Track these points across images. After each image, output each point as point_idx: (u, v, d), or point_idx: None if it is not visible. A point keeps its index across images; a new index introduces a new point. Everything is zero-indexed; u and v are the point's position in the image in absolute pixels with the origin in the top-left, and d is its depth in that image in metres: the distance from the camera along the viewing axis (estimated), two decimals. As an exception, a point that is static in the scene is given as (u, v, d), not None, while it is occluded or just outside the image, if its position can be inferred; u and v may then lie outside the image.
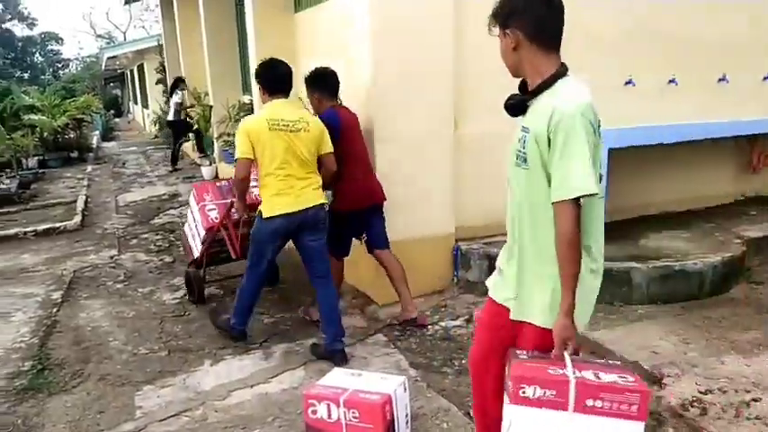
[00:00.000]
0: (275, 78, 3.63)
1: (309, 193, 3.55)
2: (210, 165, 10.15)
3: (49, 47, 53.79)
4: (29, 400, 3.22)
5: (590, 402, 1.72)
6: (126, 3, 15.34)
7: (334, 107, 3.93)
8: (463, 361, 3.47)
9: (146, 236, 6.90)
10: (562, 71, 1.87)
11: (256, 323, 4.13)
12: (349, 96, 4.13)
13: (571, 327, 1.81)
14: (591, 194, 1.74)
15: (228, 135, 9.18)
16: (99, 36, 50.97)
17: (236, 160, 3.51)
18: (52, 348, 3.89)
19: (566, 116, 1.74)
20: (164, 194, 9.35)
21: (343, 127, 3.83)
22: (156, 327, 4.23)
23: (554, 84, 1.85)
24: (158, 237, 6.81)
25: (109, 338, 4.05)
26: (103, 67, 30.45)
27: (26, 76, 44.86)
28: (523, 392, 1.76)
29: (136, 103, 29.92)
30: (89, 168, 12.59)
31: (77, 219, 7.58)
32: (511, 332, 1.99)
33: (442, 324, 3.99)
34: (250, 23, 6.69)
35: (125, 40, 39.91)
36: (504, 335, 2.02)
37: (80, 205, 8.43)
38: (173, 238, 6.71)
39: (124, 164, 13.11)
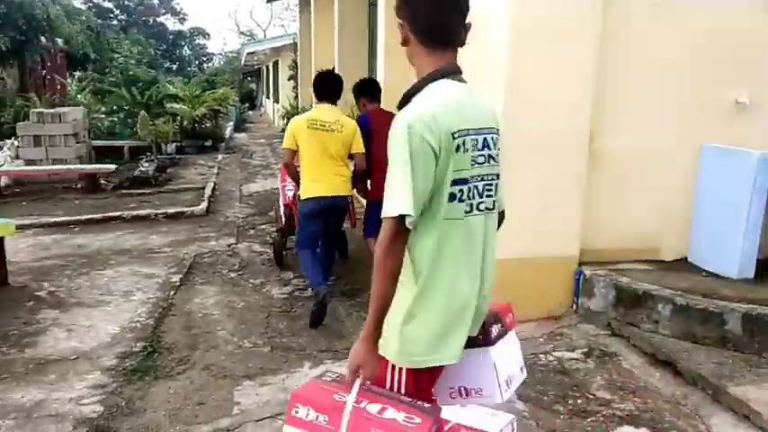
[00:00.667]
0: (323, 88, 4.39)
1: (338, 184, 4.29)
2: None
3: (197, 41, 57.94)
4: (135, 382, 3.31)
5: None
6: (268, 1, 15.99)
7: (371, 111, 4.65)
8: (579, 400, 3.13)
9: (263, 227, 7.08)
10: (438, 74, 1.64)
11: (359, 328, 4.02)
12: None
13: (365, 353, 1.63)
14: (405, 215, 1.52)
15: (350, 133, 9.25)
16: (242, 33, 54.38)
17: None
18: (164, 331, 4.01)
19: (393, 129, 1.56)
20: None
21: (373, 129, 4.33)
22: (263, 321, 4.25)
23: (423, 87, 1.65)
24: (274, 229, 6.95)
25: (217, 327, 4.11)
26: (242, 62, 32.35)
27: (174, 67, 48.71)
28: (296, 413, 1.69)
29: (268, 97, 31.44)
30: (220, 157, 13.29)
31: (204, 205, 7.95)
32: None
33: (557, 354, 3.65)
34: (381, 19, 6.64)
35: (264, 37, 42.26)
36: None
37: (207, 192, 8.86)
38: (288, 232, 6.82)
39: (252, 155, 13.71)
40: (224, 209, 8.12)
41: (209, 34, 57.28)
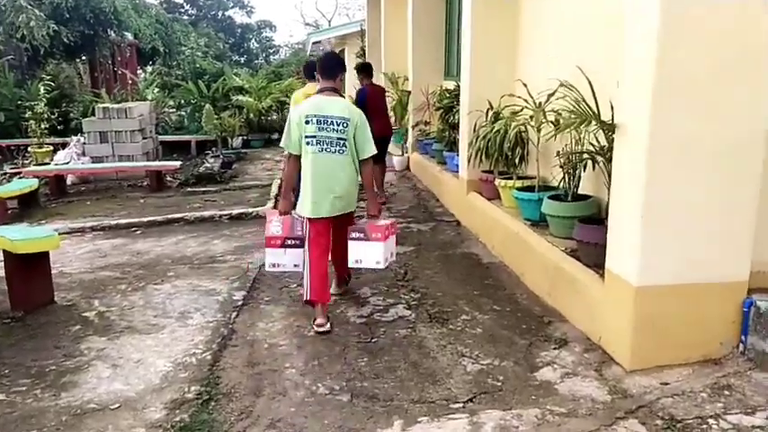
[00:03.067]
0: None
1: None
2: (403, 155, 9.51)
3: (264, 33, 58.35)
4: (185, 447, 2.64)
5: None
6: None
7: (368, 85, 7.24)
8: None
9: (334, 230, 6.37)
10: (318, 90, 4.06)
11: (457, 369, 3.23)
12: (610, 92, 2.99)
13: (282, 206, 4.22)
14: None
15: (426, 124, 8.43)
16: (307, 24, 54.35)
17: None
18: (223, 369, 3.34)
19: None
20: (354, 183, 8.90)
21: (368, 97, 6.88)
22: (339, 355, 3.51)
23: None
24: (347, 233, 6.24)
25: (285, 364, 3.41)
26: (308, 52, 32.03)
27: (242, 60, 49.18)
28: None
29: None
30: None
31: (269, 205, 7.34)
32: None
33: (731, 420, 2.72)
34: (468, 4, 5.76)
35: (329, 26, 41.87)
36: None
37: (273, 191, 8.26)
38: (361, 236, 6.09)
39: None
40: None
41: (275, 26, 57.28)
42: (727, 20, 2.79)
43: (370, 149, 3.91)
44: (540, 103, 4.61)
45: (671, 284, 2.99)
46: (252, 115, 13.50)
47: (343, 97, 4.17)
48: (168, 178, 9.53)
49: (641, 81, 2.86)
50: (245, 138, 12.94)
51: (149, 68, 20.25)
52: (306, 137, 3.77)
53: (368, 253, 3.90)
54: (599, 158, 3.70)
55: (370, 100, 6.84)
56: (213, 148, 10.87)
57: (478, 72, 5.85)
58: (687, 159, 2.90)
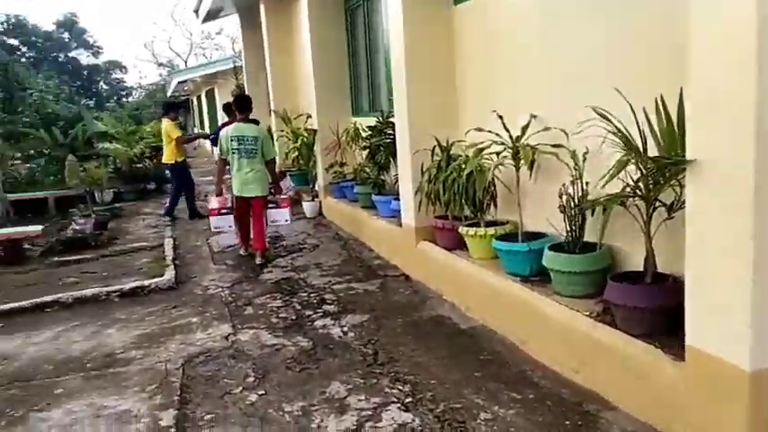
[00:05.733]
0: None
1: None
2: (313, 200, 8.55)
3: (113, 75, 54.65)
4: None
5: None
6: (203, 21, 14.10)
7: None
8: None
9: (261, 300, 5.26)
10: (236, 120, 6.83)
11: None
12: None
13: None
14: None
15: (341, 165, 7.58)
16: (161, 64, 51.51)
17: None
18: None
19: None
20: (263, 237, 7.78)
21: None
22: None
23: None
24: (278, 302, 5.17)
25: None
26: (169, 93, 29.98)
27: (91, 103, 45.27)
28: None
29: (202, 128, 29.17)
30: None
31: (170, 274, 6.03)
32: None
33: None
34: (397, 21, 5.05)
35: (186, 66, 39.80)
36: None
37: (169, 254, 6.92)
38: (297, 304, 5.06)
39: (206, 196, 11.69)
40: (197, 275, 6.23)
41: (125, 67, 54.06)
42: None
43: (273, 153, 6.71)
44: (516, 138, 3.96)
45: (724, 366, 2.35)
46: (121, 164, 11.83)
47: (254, 122, 6.78)
48: (27, 245, 7.77)
49: (736, 110, 2.23)
50: (115, 191, 11.24)
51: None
52: (232, 149, 6.40)
53: (279, 215, 7.24)
54: (630, 200, 3.06)
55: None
56: (80, 206, 9.17)
57: (419, 106, 5.14)
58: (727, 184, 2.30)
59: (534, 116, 4.02)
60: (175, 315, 5.03)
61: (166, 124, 9.11)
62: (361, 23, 7.79)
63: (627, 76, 3.30)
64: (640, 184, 2.93)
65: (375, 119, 6.62)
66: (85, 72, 50.56)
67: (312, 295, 5.28)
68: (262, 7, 10.76)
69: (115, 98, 50.54)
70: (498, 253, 4.14)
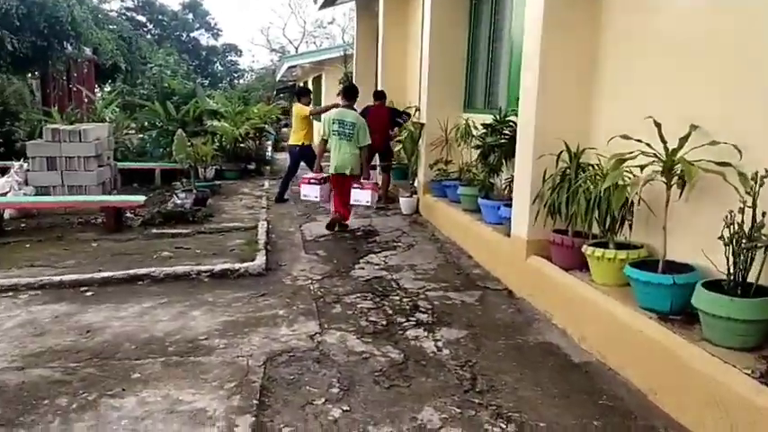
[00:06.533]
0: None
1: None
2: (411, 196, 8.15)
3: (229, 57, 57.00)
4: None
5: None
6: (321, 8, 14.08)
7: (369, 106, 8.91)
8: None
9: (350, 298, 4.92)
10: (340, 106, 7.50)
11: None
12: None
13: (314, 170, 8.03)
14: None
15: (446, 163, 7.11)
16: (273, 50, 53.14)
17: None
18: None
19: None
20: (357, 229, 7.48)
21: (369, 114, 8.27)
22: None
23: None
24: (368, 303, 4.81)
25: None
26: (278, 77, 30.71)
27: (206, 82, 47.43)
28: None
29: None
30: (266, 184, 11.27)
31: (261, 259, 5.83)
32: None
33: None
34: (537, 5, 4.50)
35: (296, 53, 40.69)
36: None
37: (261, 237, 6.75)
38: (388, 308, 4.67)
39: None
40: (287, 263, 5.99)
41: (240, 50, 56.24)
42: None
43: (367, 141, 7.13)
44: (673, 151, 3.33)
45: None
46: (226, 143, 11.98)
47: (356, 110, 7.34)
48: (129, 214, 7.91)
49: None
50: (217, 168, 11.38)
51: (108, 87, 18.51)
52: (333, 131, 7.09)
53: (362, 195, 7.34)
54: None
55: (370, 116, 8.07)
56: (183, 180, 9.29)
57: (548, 106, 4.57)
58: None
59: (695, 127, 3.38)
60: (262, 304, 4.79)
61: (299, 108, 9.29)
62: (486, 17, 7.28)
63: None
64: None
65: (492, 116, 6.09)
66: (204, 52, 53.00)
67: (405, 300, 4.87)
68: (381, -2, 10.49)
69: (228, 79, 52.74)
70: (631, 282, 3.53)
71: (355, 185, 7.31)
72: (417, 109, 8.34)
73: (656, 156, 3.38)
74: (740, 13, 3.26)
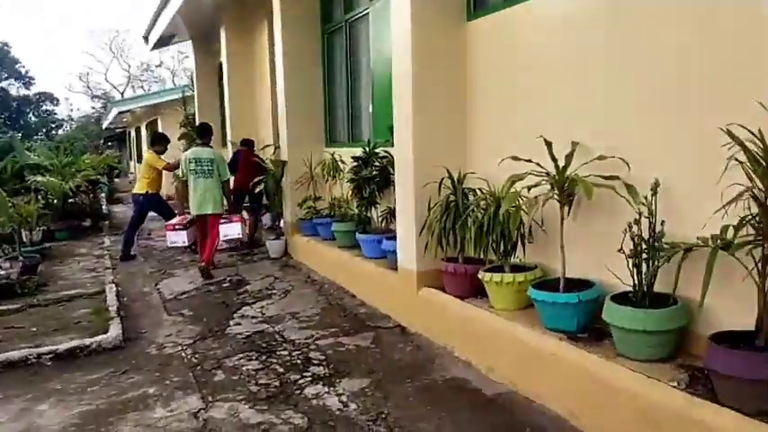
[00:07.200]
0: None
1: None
2: (278, 238, 7.71)
3: (44, 107, 52.25)
4: None
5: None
6: (153, 48, 13.18)
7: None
8: None
9: (232, 361, 4.36)
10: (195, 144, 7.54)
11: None
12: None
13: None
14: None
15: (316, 200, 6.81)
16: (95, 96, 49.36)
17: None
18: None
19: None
20: (223, 280, 6.85)
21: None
22: None
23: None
24: (254, 363, 4.29)
25: None
26: (105, 125, 28.50)
27: (19, 136, 42.56)
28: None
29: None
30: (107, 241, 10.11)
31: (116, 329, 5.03)
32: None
33: None
34: (404, 33, 4.42)
35: (122, 98, 38.14)
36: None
37: (112, 302, 5.89)
38: (278, 366, 4.21)
39: (150, 233, 10.60)
40: (148, 329, 5.25)
41: (57, 99, 51.74)
42: None
43: (227, 175, 7.19)
44: (562, 168, 3.34)
45: None
46: (54, 199, 10.60)
47: (211, 148, 7.31)
48: (-65, 294, 6.54)
49: None
50: (45, 229, 9.98)
51: None
52: (190, 170, 6.99)
53: (231, 229, 7.40)
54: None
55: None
56: (6, 246, 7.95)
57: (426, 134, 4.48)
58: None
59: (576, 143, 3.42)
60: (126, 384, 4.06)
61: (152, 158, 8.54)
62: (340, 49, 7.16)
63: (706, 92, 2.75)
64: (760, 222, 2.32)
65: (360, 149, 5.91)
66: (15, 103, 47.98)
67: (294, 354, 4.43)
68: (222, 34, 10.01)
69: (44, 130, 47.96)
70: (536, 303, 3.45)
71: (222, 220, 7.27)
72: (277, 147, 7.96)
73: (547, 174, 3.37)
74: (611, 26, 3.38)
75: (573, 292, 3.31)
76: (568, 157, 3.35)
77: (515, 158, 3.51)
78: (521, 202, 3.51)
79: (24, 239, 8.85)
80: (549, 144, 3.33)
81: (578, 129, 3.51)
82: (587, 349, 3.10)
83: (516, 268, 3.85)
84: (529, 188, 3.51)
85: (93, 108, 48.55)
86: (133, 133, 30.02)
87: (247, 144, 8.80)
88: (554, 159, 3.31)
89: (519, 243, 3.84)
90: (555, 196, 3.37)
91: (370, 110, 6.46)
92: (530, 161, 3.45)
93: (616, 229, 3.10)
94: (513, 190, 3.44)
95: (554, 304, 3.30)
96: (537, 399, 3.35)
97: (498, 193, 3.78)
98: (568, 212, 3.48)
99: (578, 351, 3.10)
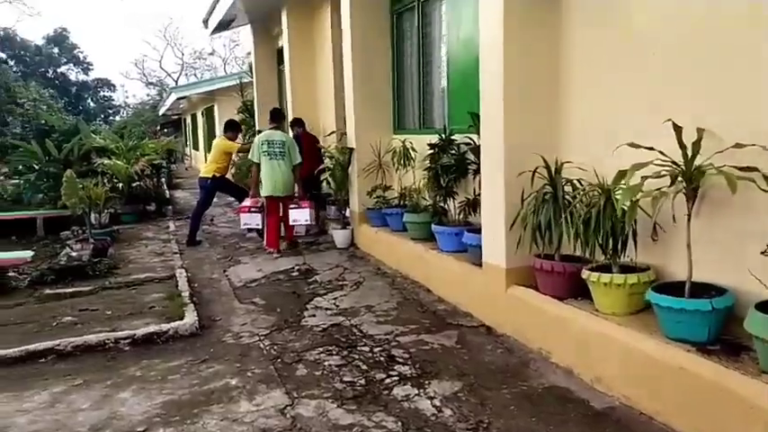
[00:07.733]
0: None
1: None
2: (344, 227, 7.53)
3: (101, 93, 53.72)
4: None
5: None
6: (212, 33, 13.21)
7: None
8: None
9: (312, 355, 4.19)
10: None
11: None
12: None
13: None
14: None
15: (385, 189, 6.59)
16: (150, 83, 50.48)
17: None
18: None
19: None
20: (291, 269, 6.71)
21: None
22: None
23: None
24: (335, 358, 4.11)
25: None
26: (163, 110, 28.98)
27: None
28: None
29: (195, 148, 28.14)
30: (172, 226, 10.17)
31: (191, 316, 4.94)
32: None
33: None
34: (495, 20, 4.11)
35: (176, 85, 38.77)
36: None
37: (184, 288, 5.83)
38: (360, 362, 4.01)
39: (212, 220, 10.62)
40: (222, 317, 5.15)
41: (114, 85, 53.11)
42: None
43: (299, 159, 7.35)
44: (690, 158, 3.00)
45: None
46: (120, 183, 10.73)
47: (283, 131, 7.70)
48: (12, 273, 6.64)
49: None
50: (112, 212, 10.11)
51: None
52: (262, 151, 7.22)
53: (300, 214, 7.34)
54: None
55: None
56: (76, 228, 8.05)
57: (517, 120, 4.18)
58: None
59: (702, 130, 3.07)
60: (207, 374, 3.95)
61: (225, 143, 8.50)
62: (410, 28, 6.88)
63: None
64: None
65: (432, 136, 5.66)
66: (74, 88, 49.47)
67: (376, 350, 4.23)
68: (284, 16, 9.85)
69: (102, 116, 49.31)
70: (657, 309, 3.13)
71: (292, 205, 7.35)
72: (343, 133, 7.77)
73: (673, 164, 3.03)
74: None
75: (703, 297, 2.97)
76: (696, 145, 3.01)
77: (634, 146, 3.17)
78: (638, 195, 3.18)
79: (93, 221, 8.96)
80: (678, 129, 2.98)
81: (710, 114, 3.15)
82: (724, 364, 2.77)
83: (625, 269, 3.53)
84: (643, 179, 3.18)
85: (149, 95, 49.72)
86: (189, 120, 30.51)
87: (299, 124, 8.77)
88: (682, 147, 2.97)
89: (630, 241, 3.51)
90: (683, 189, 3.03)
91: (445, 94, 6.17)
92: (651, 149, 3.12)
93: (753, 228, 2.76)
94: (633, 182, 3.11)
95: (681, 311, 2.97)
96: (657, 416, 3.04)
97: (607, 185, 3.45)
98: (692, 207, 3.14)
99: (714, 366, 2.77)
